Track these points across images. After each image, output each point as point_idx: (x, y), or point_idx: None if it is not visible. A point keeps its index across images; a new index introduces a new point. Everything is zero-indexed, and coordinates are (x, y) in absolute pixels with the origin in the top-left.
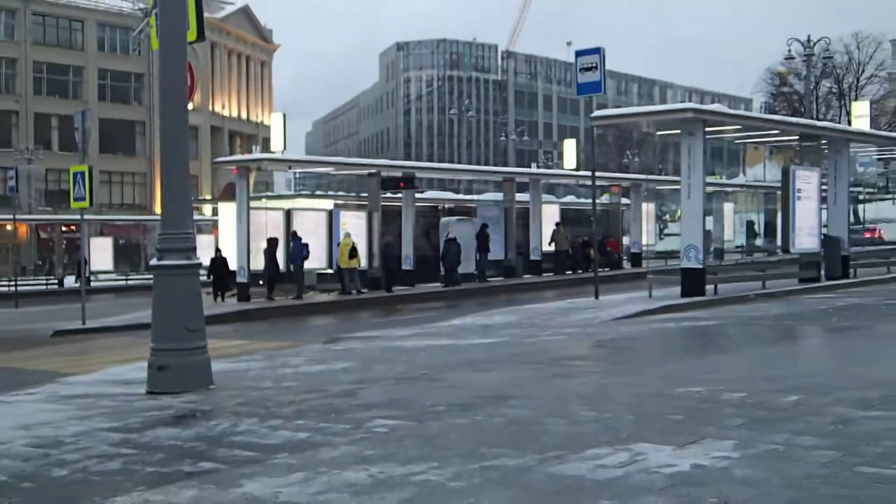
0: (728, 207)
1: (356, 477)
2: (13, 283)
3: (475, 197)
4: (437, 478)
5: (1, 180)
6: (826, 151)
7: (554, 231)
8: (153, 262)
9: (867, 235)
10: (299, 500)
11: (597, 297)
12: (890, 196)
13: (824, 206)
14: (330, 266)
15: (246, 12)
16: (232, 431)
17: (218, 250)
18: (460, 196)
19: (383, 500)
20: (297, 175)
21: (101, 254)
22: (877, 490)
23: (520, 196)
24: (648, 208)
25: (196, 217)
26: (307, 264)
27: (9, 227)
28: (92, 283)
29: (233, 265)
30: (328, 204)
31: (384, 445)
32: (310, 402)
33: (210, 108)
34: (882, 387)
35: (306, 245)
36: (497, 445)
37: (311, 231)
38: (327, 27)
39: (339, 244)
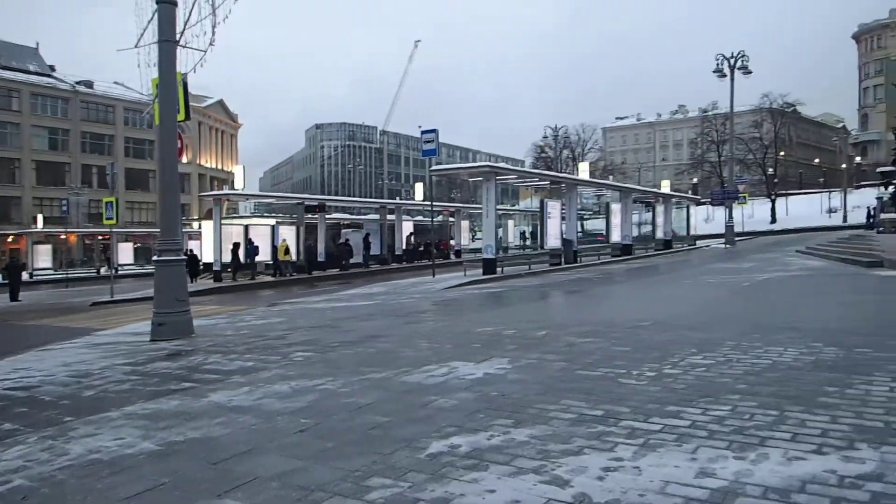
0: (510, 223)
1: (282, 389)
2: (66, 272)
3: (363, 217)
4: (333, 386)
5: (58, 206)
6: (564, 190)
7: (408, 237)
8: (155, 257)
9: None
10: (244, 404)
11: (434, 276)
12: (600, 216)
13: (564, 221)
14: (273, 259)
15: (221, 104)
16: (204, 363)
17: (191, 250)
18: (354, 216)
19: (298, 401)
20: (254, 204)
21: (125, 253)
22: (586, 383)
23: (390, 216)
24: (465, 223)
25: (187, 229)
26: (258, 258)
27: (63, 237)
28: (118, 272)
29: (208, 259)
30: (272, 221)
31: (301, 368)
32: (255, 343)
33: (198, 162)
34: (592, 324)
35: (257, 246)
36: (370, 366)
37: (261, 237)
38: (279, 109)
39: (278, 245)
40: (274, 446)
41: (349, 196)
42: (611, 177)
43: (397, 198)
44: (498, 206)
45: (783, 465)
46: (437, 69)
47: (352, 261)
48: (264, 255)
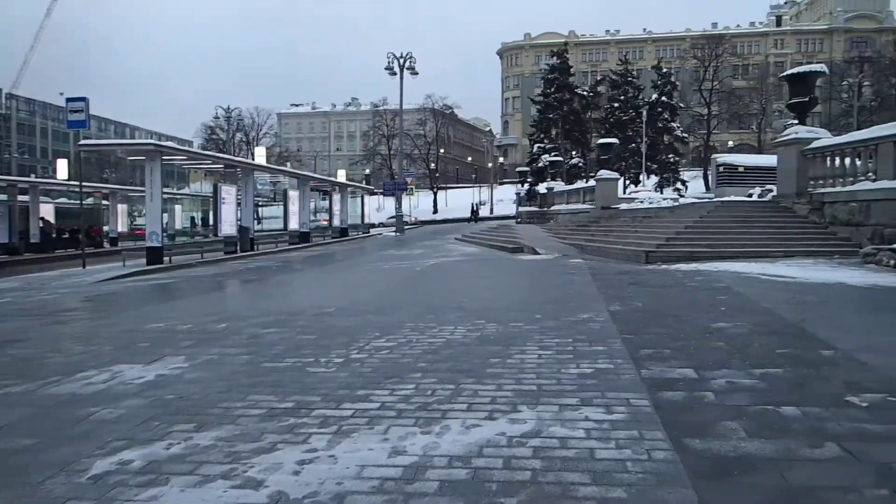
0: (178, 208)
1: None
2: None
3: None
4: None
5: None
6: (240, 175)
7: (47, 222)
8: None
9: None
10: None
11: (84, 266)
12: (277, 203)
13: (240, 207)
14: None
15: None
16: None
17: None
18: None
19: None
20: None
21: None
22: (274, 375)
23: (22, 197)
24: (123, 207)
25: None
26: None
27: None
28: None
29: None
30: None
31: None
32: None
33: None
34: (276, 314)
35: None
36: (4, 378)
37: None
38: None
39: None
40: None
41: None
42: (288, 164)
43: (32, 175)
44: (164, 190)
45: (463, 434)
46: (91, 31)
47: None
48: None
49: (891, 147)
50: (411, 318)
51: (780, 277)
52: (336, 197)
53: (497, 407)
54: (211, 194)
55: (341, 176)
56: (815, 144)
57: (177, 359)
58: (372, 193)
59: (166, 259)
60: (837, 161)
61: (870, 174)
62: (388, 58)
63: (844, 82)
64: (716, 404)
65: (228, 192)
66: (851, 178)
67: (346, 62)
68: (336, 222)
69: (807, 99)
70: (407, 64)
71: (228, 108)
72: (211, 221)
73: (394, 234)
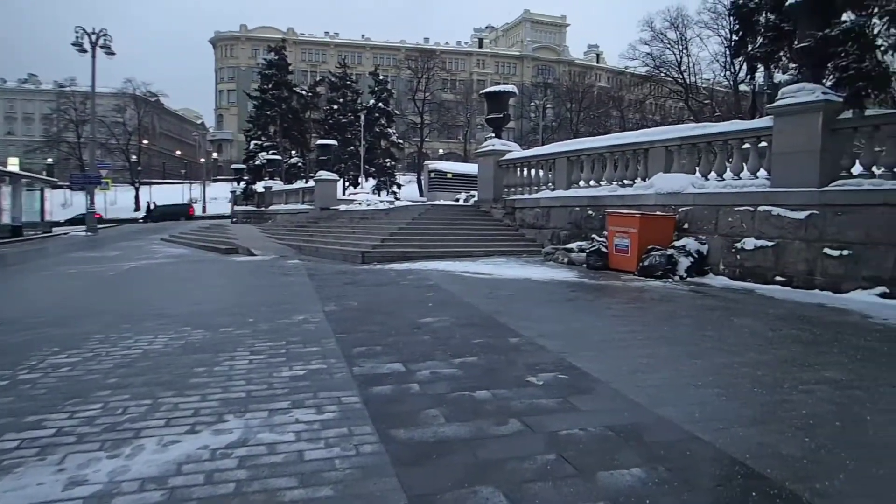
0: None
1: None
2: None
3: None
4: None
5: None
6: None
7: None
8: None
9: None
10: None
11: None
12: None
13: None
14: None
15: None
16: None
17: None
18: None
19: None
20: None
21: None
22: None
23: None
24: None
25: None
26: None
27: None
28: None
29: None
30: None
31: None
32: None
33: None
34: None
35: None
36: None
37: None
38: None
39: None
40: None
41: None
42: None
43: None
44: None
45: (159, 453)
46: None
47: None
48: None
49: (565, 161)
50: (101, 329)
51: (480, 274)
52: (6, 189)
53: (200, 419)
54: None
55: (14, 164)
56: (508, 156)
57: None
58: (56, 187)
59: None
60: (525, 172)
61: (550, 184)
62: (77, 32)
63: (532, 103)
64: (420, 394)
65: None
66: (536, 187)
67: (24, 34)
68: (6, 220)
69: (501, 115)
70: (101, 42)
71: None
72: None
73: (84, 233)
